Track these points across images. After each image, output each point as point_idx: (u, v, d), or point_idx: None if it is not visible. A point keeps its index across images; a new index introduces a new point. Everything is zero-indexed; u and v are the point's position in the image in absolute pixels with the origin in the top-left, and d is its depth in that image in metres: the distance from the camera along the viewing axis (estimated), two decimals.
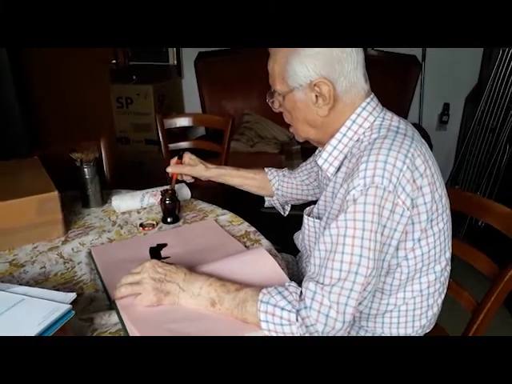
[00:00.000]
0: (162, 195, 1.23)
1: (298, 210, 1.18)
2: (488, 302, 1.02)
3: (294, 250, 1.20)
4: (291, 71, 0.86)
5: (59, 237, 1.15)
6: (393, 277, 0.88)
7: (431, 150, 0.89)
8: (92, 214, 1.29)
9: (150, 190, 1.34)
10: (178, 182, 1.25)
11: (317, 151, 1.09)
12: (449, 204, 0.91)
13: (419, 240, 0.85)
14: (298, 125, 0.95)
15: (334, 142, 0.91)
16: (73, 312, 0.71)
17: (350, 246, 0.76)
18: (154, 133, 2.76)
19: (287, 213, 1.33)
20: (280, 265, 0.96)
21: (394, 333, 0.93)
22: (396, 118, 0.90)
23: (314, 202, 1.04)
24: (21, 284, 0.91)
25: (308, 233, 1.03)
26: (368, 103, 0.89)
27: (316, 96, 0.87)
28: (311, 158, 1.18)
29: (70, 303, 0.72)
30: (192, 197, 1.39)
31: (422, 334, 0.97)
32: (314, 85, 0.86)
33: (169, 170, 1.22)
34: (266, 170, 1.29)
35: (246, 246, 1.10)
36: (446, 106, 2.99)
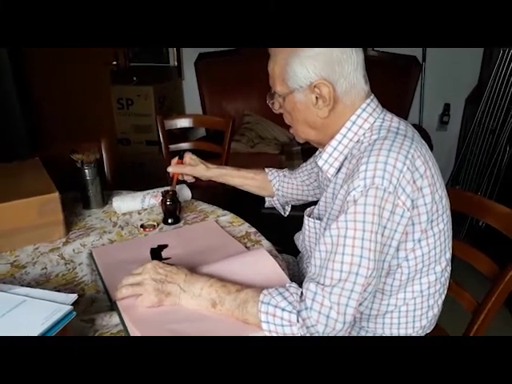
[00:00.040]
0: (162, 196, 1.23)
1: (299, 210, 1.18)
2: (488, 302, 1.02)
3: (294, 251, 1.20)
4: (291, 72, 0.86)
5: (60, 238, 1.15)
6: (393, 277, 0.88)
7: (432, 150, 0.89)
8: (93, 215, 1.29)
9: (150, 191, 1.34)
10: (178, 182, 1.25)
11: (317, 152, 1.09)
12: (449, 205, 0.91)
13: (419, 241, 0.85)
14: (298, 126, 0.95)
15: (334, 143, 0.91)
16: (74, 313, 0.71)
17: (351, 247, 0.76)
18: (154, 134, 2.76)
19: (287, 213, 1.33)
20: (281, 265, 0.96)
21: (395, 333, 0.93)
22: (396, 119, 0.90)
23: (315, 203, 1.05)
24: (22, 285, 0.91)
25: (308, 234, 1.03)
26: (368, 104, 0.89)
27: (316, 97, 0.87)
28: (311, 159, 1.18)
29: (72, 304, 0.72)
30: (192, 198, 1.39)
31: (422, 335, 0.97)
32: (314, 86, 0.86)
33: (170, 169, 1.23)
34: (267, 170, 1.30)
35: (246, 247, 1.10)
36: (447, 107, 3.00)
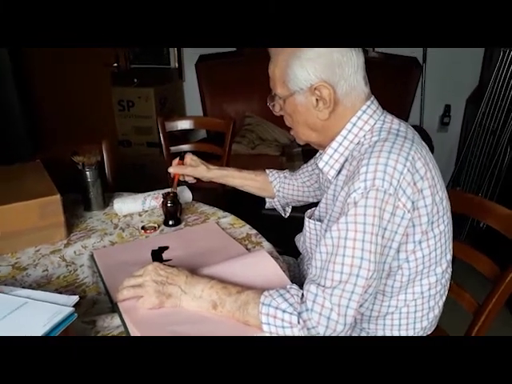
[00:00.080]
0: (163, 198, 1.23)
1: (299, 211, 1.18)
2: (489, 303, 1.02)
3: (295, 253, 1.20)
4: (292, 75, 0.87)
5: (61, 240, 1.15)
6: (394, 279, 0.88)
7: (432, 151, 0.90)
8: (94, 217, 1.29)
9: (151, 193, 1.35)
10: (179, 182, 1.25)
11: (318, 154, 1.10)
12: (449, 206, 0.91)
13: (420, 242, 0.85)
14: (298, 128, 0.95)
15: (334, 144, 0.91)
16: (75, 315, 0.71)
17: (351, 249, 0.77)
18: (155, 136, 2.77)
19: (288, 214, 1.33)
20: (281, 267, 0.97)
21: (395, 335, 0.93)
22: (396, 120, 0.90)
23: (315, 205, 1.05)
24: (23, 287, 0.92)
25: (309, 235, 1.03)
26: (368, 106, 0.89)
27: (316, 99, 0.87)
28: (312, 160, 1.18)
29: (73, 306, 0.73)
30: (193, 199, 1.39)
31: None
32: (315, 88, 0.86)
33: (171, 170, 1.23)
34: (267, 171, 1.30)
35: (247, 249, 1.10)
36: (447, 108, 3.00)
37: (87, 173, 1.28)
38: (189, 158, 1.24)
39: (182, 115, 3.17)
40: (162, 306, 0.84)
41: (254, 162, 2.53)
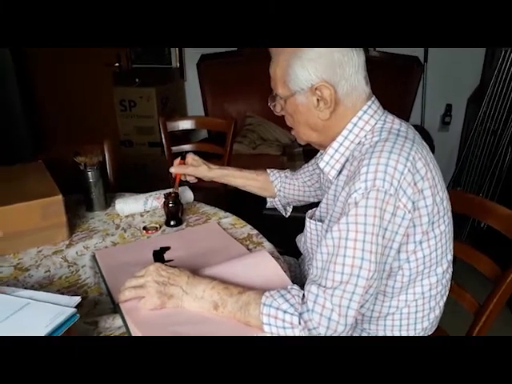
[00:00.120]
0: (165, 198, 1.23)
1: (300, 211, 1.18)
2: (490, 303, 1.02)
3: (296, 253, 1.20)
4: (293, 75, 0.87)
5: (63, 240, 1.16)
6: (394, 279, 0.88)
7: (433, 151, 0.90)
8: (96, 218, 1.29)
9: (153, 193, 1.35)
10: (181, 182, 1.26)
11: (318, 154, 1.10)
12: (450, 206, 0.91)
13: (421, 242, 0.85)
14: (299, 128, 0.95)
15: (335, 144, 0.92)
16: (77, 315, 0.72)
17: (352, 249, 0.77)
18: (157, 135, 2.77)
19: (289, 214, 1.33)
20: (282, 267, 0.97)
21: (396, 335, 0.93)
22: (397, 120, 0.90)
23: (316, 205, 1.05)
24: (26, 288, 0.92)
25: (310, 236, 1.03)
26: (369, 106, 0.89)
27: (317, 100, 0.87)
28: (313, 160, 1.19)
29: (75, 307, 0.73)
30: (195, 200, 1.39)
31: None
32: (316, 88, 0.86)
33: (172, 170, 1.23)
34: (269, 171, 1.30)
35: (248, 249, 1.10)
36: (449, 107, 2.99)
37: (89, 173, 1.29)
38: (190, 157, 1.25)
39: (184, 115, 3.17)
40: (163, 306, 0.84)
41: (255, 162, 2.53)
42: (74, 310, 0.72)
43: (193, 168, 1.23)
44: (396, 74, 2.82)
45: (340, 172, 0.92)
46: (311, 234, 1.03)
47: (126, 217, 1.30)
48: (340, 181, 0.92)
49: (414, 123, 2.86)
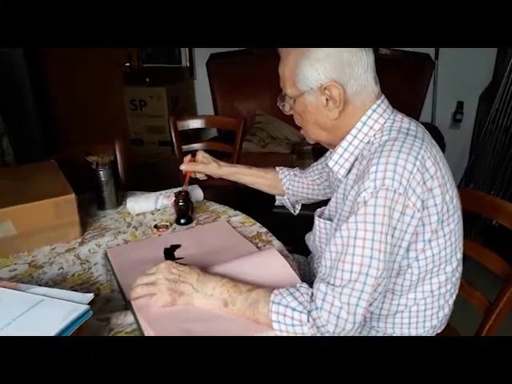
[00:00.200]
0: (175, 197, 1.25)
1: (310, 210, 1.18)
2: (500, 302, 1.02)
3: (305, 251, 1.20)
4: (301, 75, 0.87)
5: (76, 238, 1.18)
6: (403, 278, 0.89)
7: (445, 148, 0.89)
8: (107, 216, 1.31)
9: (163, 192, 1.36)
10: (191, 180, 1.27)
11: (328, 153, 1.10)
12: (460, 205, 0.91)
13: (430, 241, 0.85)
14: (308, 127, 0.96)
15: (344, 144, 0.92)
16: (91, 312, 0.73)
17: (361, 248, 0.77)
18: (167, 134, 2.78)
19: (297, 212, 1.34)
20: (291, 266, 0.97)
21: (405, 333, 0.94)
22: (406, 119, 0.90)
23: (325, 203, 1.05)
24: (40, 285, 0.93)
25: (319, 234, 1.04)
26: (378, 105, 0.90)
27: (326, 99, 0.88)
28: (322, 158, 1.19)
29: (88, 303, 0.74)
30: (204, 198, 1.41)
31: (433, 335, 0.97)
32: (325, 88, 0.86)
33: (182, 167, 1.24)
34: (278, 169, 1.31)
35: (257, 247, 1.11)
36: (460, 105, 2.96)
37: (101, 172, 1.30)
38: (200, 155, 1.26)
39: (194, 114, 3.18)
40: (174, 303, 0.85)
41: (265, 160, 2.53)
42: (87, 306, 0.73)
43: (203, 165, 1.25)
44: (407, 72, 2.79)
45: (349, 171, 0.93)
46: (320, 232, 1.03)
47: (137, 215, 1.31)
48: (349, 180, 0.92)
49: (424, 121, 2.84)
